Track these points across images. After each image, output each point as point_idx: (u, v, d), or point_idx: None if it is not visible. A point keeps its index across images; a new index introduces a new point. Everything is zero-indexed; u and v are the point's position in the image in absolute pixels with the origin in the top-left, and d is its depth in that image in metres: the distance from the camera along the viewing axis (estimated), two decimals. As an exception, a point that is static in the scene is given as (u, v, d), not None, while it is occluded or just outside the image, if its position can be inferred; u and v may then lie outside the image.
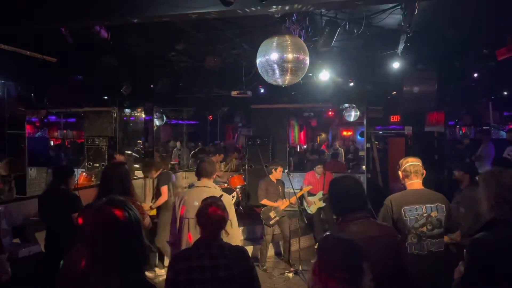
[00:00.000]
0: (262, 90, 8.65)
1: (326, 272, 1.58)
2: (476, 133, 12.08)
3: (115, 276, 1.61)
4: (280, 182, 6.47)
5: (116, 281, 1.60)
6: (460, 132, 13.97)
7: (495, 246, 1.98)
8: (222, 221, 2.45)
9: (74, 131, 13.03)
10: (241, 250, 2.46)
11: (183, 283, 2.25)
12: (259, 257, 6.46)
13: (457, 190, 4.50)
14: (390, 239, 2.37)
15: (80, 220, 2.49)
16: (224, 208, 2.52)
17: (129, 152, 10.14)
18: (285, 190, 6.61)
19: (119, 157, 8.44)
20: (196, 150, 12.64)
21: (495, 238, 2.00)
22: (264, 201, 6.23)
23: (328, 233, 1.81)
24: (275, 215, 6.22)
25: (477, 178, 3.24)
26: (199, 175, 3.77)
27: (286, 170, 7.43)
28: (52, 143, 12.53)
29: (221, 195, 3.12)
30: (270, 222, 6.24)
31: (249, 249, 6.86)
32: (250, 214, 8.17)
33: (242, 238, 7.08)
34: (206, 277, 2.25)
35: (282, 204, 6.26)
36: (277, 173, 6.33)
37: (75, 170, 6.01)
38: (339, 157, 11.57)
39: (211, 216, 2.42)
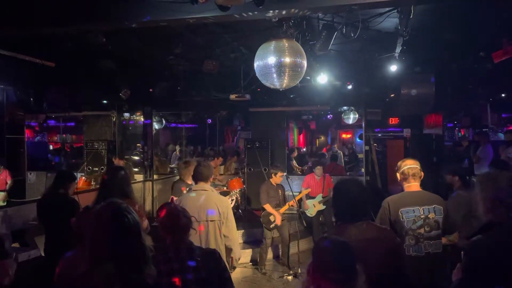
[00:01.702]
0: (260, 94, 8.67)
1: (320, 272, 1.60)
2: (474, 135, 12.11)
3: (116, 277, 1.62)
4: (280, 186, 6.47)
5: (117, 282, 1.62)
6: (459, 134, 14.00)
7: (493, 249, 1.98)
8: (187, 222, 2.43)
9: (73, 135, 13.05)
10: (211, 252, 2.45)
11: None
12: (258, 260, 6.46)
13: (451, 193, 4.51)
14: (389, 242, 2.38)
15: (74, 222, 2.49)
16: (183, 209, 2.50)
17: (128, 157, 10.15)
18: (285, 193, 6.60)
19: (118, 162, 8.46)
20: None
21: (492, 240, 2.01)
22: (266, 206, 6.23)
23: (323, 235, 1.83)
24: (275, 219, 6.22)
25: (473, 179, 3.25)
26: (196, 179, 3.78)
27: (285, 173, 7.44)
28: (51, 147, 12.54)
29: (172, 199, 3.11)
30: (270, 226, 6.25)
31: (248, 252, 6.87)
32: (249, 217, 8.18)
33: (241, 241, 7.08)
34: (174, 281, 2.22)
35: (281, 209, 6.26)
36: (277, 178, 6.32)
37: (75, 174, 5.99)
38: (338, 160, 11.59)
39: (175, 219, 2.40)
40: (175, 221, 2.39)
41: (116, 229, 1.69)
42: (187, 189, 5.33)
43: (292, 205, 6.42)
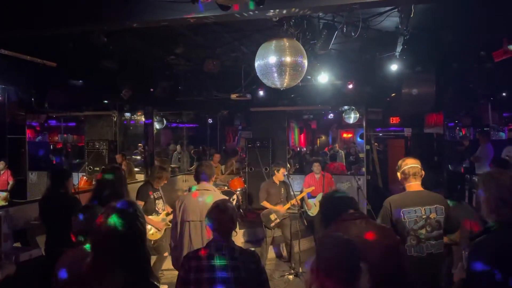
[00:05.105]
0: (261, 93, 8.67)
1: (323, 270, 1.59)
2: (475, 134, 12.10)
3: (120, 277, 1.61)
4: (283, 184, 6.40)
5: (118, 283, 1.61)
6: (460, 134, 13.98)
7: (496, 249, 1.97)
8: (231, 222, 2.51)
9: (74, 135, 13.07)
10: (251, 254, 2.50)
11: (193, 282, 2.32)
12: (259, 260, 6.45)
13: None
14: (389, 240, 2.37)
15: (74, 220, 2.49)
16: (233, 210, 2.57)
17: (129, 157, 10.17)
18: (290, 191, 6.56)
19: (118, 158, 8.51)
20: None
21: (497, 241, 2.00)
22: (264, 203, 6.23)
23: (327, 233, 1.82)
24: (276, 217, 6.20)
25: (474, 178, 3.23)
26: (198, 178, 3.79)
27: (286, 173, 7.43)
28: (52, 147, 12.55)
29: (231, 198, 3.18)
30: (271, 225, 6.23)
31: (249, 251, 6.86)
32: (249, 217, 8.17)
33: (242, 240, 7.08)
34: (214, 277, 2.31)
35: (283, 208, 6.24)
36: (279, 175, 6.28)
37: (76, 174, 5.99)
38: (338, 159, 11.60)
39: (221, 218, 2.47)
40: (218, 219, 2.47)
41: (129, 230, 1.67)
42: (154, 193, 5.23)
43: (294, 204, 6.38)
